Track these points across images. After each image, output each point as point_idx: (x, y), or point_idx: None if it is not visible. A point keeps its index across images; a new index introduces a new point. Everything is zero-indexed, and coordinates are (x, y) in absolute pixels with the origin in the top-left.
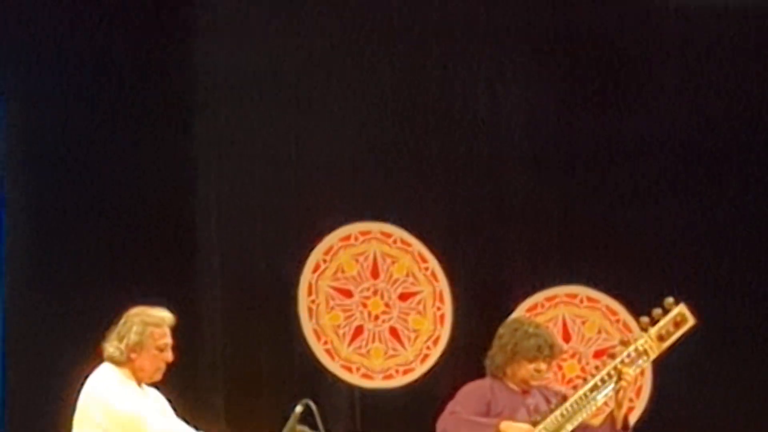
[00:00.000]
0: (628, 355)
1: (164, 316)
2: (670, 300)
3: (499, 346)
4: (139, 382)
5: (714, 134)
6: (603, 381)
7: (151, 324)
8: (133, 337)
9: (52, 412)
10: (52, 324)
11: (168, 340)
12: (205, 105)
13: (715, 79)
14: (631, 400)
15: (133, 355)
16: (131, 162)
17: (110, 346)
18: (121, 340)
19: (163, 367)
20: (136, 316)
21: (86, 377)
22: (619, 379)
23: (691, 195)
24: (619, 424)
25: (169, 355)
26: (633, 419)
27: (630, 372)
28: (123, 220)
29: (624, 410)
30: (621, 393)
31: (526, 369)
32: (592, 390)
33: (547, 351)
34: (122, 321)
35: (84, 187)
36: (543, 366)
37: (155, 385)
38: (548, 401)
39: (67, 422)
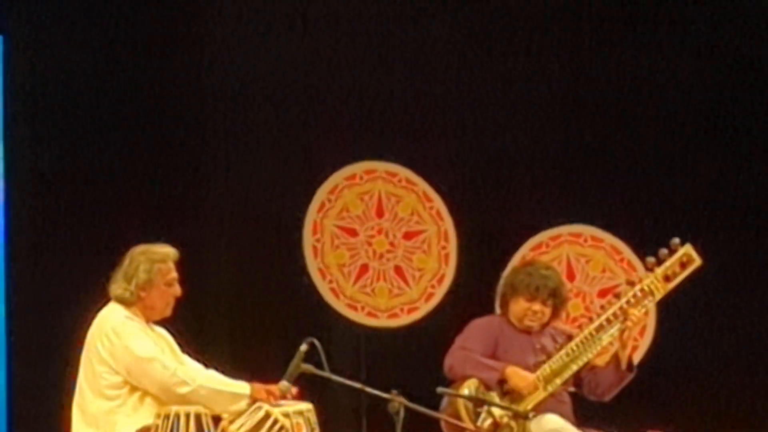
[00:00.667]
0: (634, 295)
1: (168, 251)
2: (676, 240)
3: (501, 284)
4: (148, 320)
5: (721, 72)
6: (608, 321)
7: (157, 261)
8: (142, 276)
9: (60, 350)
10: (57, 258)
11: (174, 274)
12: (212, 38)
13: (717, 18)
14: (635, 340)
15: (143, 294)
16: (138, 96)
17: (118, 288)
18: (129, 280)
19: (172, 302)
20: (141, 255)
21: (93, 316)
22: (625, 319)
23: (696, 134)
24: (623, 365)
25: (177, 290)
26: (637, 359)
27: (635, 312)
28: (129, 157)
29: (628, 351)
30: (626, 333)
31: (521, 307)
32: (597, 330)
33: (545, 294)
34: (127, 261)
35: (89, 121)
36: (538, 307)
37: (163, 323)
38: (555, 341)
39: (75, 362)
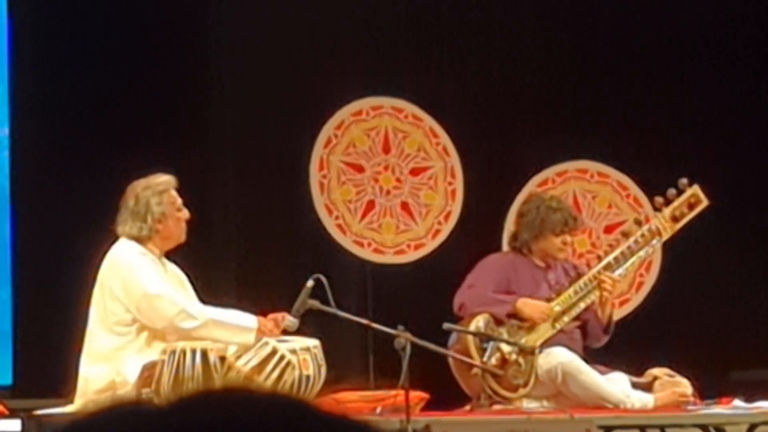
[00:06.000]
0: (642, 235)
1: (169, 179)
2: (684, 180)
3: (525, 223)
4: (162, 252)
5: (730, 3)
6: (616, 260)
7: (164, 191)
8: (156, 209)
9: (66, 286)
10: (62, 193)
11: (179, 199)
12: None
13: None
14: (641, 275)
15: (159, 227)
16: (144, 29)
17: (132, 227)
18: (143, 218)
19: (184, 227)
20: (146, 190)
21: (103, 253)
22: (600, 286)
23: (705, 72)
24: (602, 325)
25: (186, 213)
26: (642, 296)
27: (609, 278)
28: (134, 90)
29: (609, 312)
30: (603, 298)
31: (553, 243)
32: (605, 268)
33: (572, 223)
34: (132, 200)
35: (93, 54)
36: (569, 239)
37: (173, 259)
38: (568, 274)
39: (82, 298)
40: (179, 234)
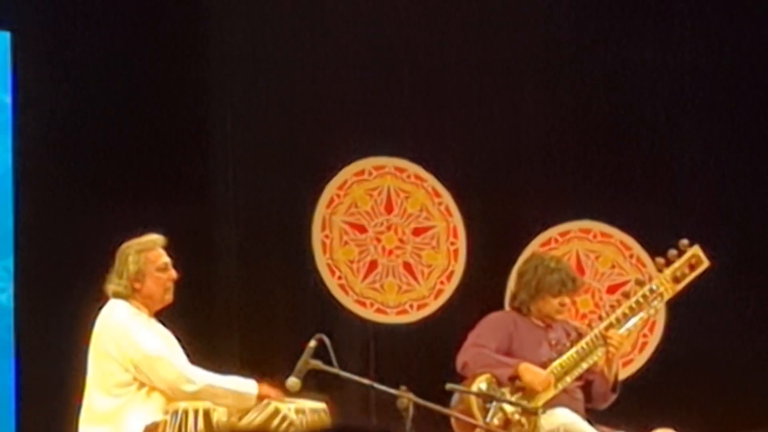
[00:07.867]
0: (644, 296)
1: (154, 238)
2: (684, 241)
3: (523, 284)
4: (150, 312)
5: (732, 66)
6: (618, 320)
7: (143, 250)
8: (131, 267)
9: (65, 349)
10: (63, 255)
11: (165, 258)
12: (220, 32)
13: (728, 12)
14: (644, 336)
15: (137, 285)
16: (146, 92)
17: (114, 286)
18: (120, 275)
19: (170, 286)
20: (127, 249)
21: (97, 312)
22: (606, 343)
23: (706, 131)
24: (609, 384)
25: (172, 273)
26: (646, 355)
27: (616, 336)
28: (136, 154)
29: (615, 370)
30: (609, 355)
31: (551, 304)
32: (606, 329)
33: (570, 285)
34: (117, 259)
35: (95, 115)
36: (567, 300)
37: (170, 319)
38: (568, 335)
39: (81, 359)
40: (162, 294)
